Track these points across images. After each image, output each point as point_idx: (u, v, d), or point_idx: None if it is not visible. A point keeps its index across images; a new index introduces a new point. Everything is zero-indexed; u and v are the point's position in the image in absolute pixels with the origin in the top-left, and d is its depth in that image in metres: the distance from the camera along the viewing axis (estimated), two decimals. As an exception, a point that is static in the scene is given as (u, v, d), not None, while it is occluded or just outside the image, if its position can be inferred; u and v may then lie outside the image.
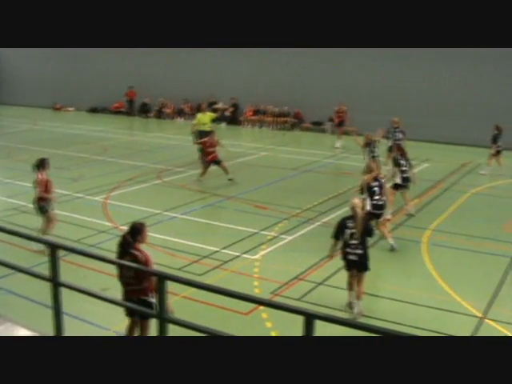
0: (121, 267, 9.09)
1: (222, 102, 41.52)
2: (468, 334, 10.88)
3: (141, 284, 9.01)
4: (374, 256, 14.75)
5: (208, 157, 22.36)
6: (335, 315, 6.63)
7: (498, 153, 25.04)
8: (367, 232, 11.72)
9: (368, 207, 14.88)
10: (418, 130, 29.41)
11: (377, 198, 15.11)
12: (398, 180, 17.78)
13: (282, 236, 16.28)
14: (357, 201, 12.09)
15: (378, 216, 15.27)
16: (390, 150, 23.10)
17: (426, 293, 12.80)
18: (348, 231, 11.65)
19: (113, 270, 10.78)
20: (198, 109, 27.82)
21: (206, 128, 24.74)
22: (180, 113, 43.49)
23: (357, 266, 11.67)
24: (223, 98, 41.28)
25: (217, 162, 22.46)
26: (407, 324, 11.05)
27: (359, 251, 11.58)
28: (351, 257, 11.63)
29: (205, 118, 25.28)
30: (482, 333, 10.98)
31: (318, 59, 37.07)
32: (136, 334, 9.65)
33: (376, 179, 15.30)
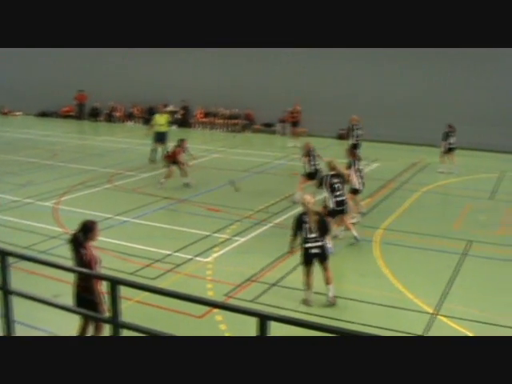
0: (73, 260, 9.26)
1: (173, 105, 41.38)
2: (421, 330, 11.03)
3: (84, 282, 9.16)
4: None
5: (171, 158, 22.51)
6: (289, 316, 6.67)
7: (449, 150, 25.42)
8: (323, 227, 12.05)
9: (331, 204, 15.49)
10: (367, 130, 29.60)
11: (338, 193, 15.54)
12: (357, 186, 17.64)
13: (235, 238, 16.30)
14: (308, 197, 12.40)
15: (342, 212, 15.77)
16: (355, 147, 23.54)
17: (379, 291, 12.93)
18: (306, 225, 11.92)
19: (64, 276, 10.69)
20: (149, 112, 28.08)
21: (163, 129, 26.25)
22: (130, 116, 43.26)
23: (319, 257, 12.04)
24: (174, 101, 41.14)
25: (176, 163, 22.41)
26: (361, 322, 11.16)
27: (319, 243, 11.96)
28: (313, 250, 11.96)
29: (161, 119, 26.61)
30: (434, 329, 11.14)
31: (268, 60, 37.17)
32: (89, 334, 9.69)
33: (338, 176, 15.62)
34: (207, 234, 16.51)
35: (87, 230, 9.53)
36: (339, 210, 15.61)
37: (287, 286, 13.09)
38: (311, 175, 19.68)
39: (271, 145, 33.86)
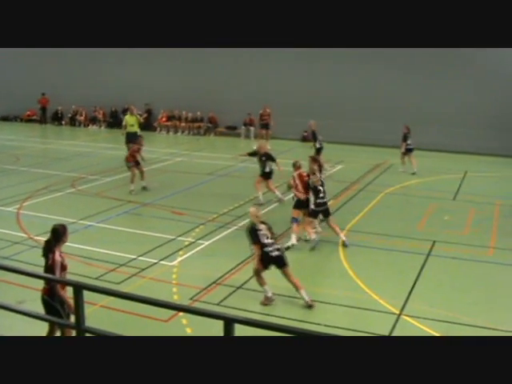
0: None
1: (136, 108, 41.23)
2: (386, 330, 11.10)
3: (48, 285, 9.31)
4: (291, 258, 14.93)
5: (130, 159, 22.45)
6: (255, 318, 6.69)
7: (408, 151, 25.74)
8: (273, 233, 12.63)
9: (312, 206, 16.01)
10: (331, 132, 29.80)
11: (321, 195, 16.05)
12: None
13: (200, 241, 16.28)
14: (253, 209, 13.08)
15: (325, 212, 16.22)
16: (319, 152, 23.87)
17: (344, 292, 13.00)
18: (261, 232, 12.29)
19: (29, 282, 10.60)
20: (112, 115, 28.01)
21: (133, 129, 26.39)
22: (93, 120, 43.02)
23: (280, 259, 12.30)
24: (137, 104, 40.98)
25: (137, 164, 22.36)
26: (326, 324, 11.23)
27: (277, 246, 12.40)
28: (274, 253, 12.21)
29: (132, 120, 26.82)
30: (399, 329, 11.23)
31: (231, 63, 37.25)
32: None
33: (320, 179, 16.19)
34: (172, 237, 16.47)
35: (57, 234, 9.74)
36: (321, 211, 16.14)
37: (252, 288, 13.09)
38: (267, 175, 20.62)
39: (235, 148, 33.83)
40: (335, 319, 11.58)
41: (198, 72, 38.73)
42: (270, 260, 12.20)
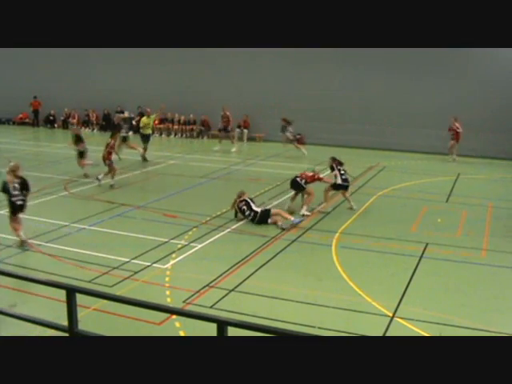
0: None
1: (129, 111, 41.25)
2: (380, 333, 11.10)
3: None
4: (285, 260, 14.94)
5: (109, 156, 23.66)
6: (248, 321, 6.68)
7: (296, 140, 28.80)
8: None
9: (339, 181, 20.11)
10: (323, 135, 29.91)
11: (343, 172, 20.21)
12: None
13: (193, 244, 16.26)
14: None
15: (346, 187, 20.40)
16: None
17: (337, 295, 12.99)
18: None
19: (20, 285, 10.59)
20: (105, 118, 28.13)
21: (148, 131, 30.00)
22: (86, 123, 42.97)
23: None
24: (130, 107, 41.01)
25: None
26: (319, 326, 11.21)
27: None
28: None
29: (148, 121, 29.90)
30: (393, 331, 11.22)
31: (223, 65, 37.35)
32: None
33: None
34: (165, 240, 16.45)
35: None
36: (343, 186, 20.28)
37: (246, 291, 13.09)
38: None
39: (228, 150, 33.83)
40: (329, 321, 11.58)
41: (191, 74, 38.77)
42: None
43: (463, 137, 30.78)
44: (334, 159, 20.77)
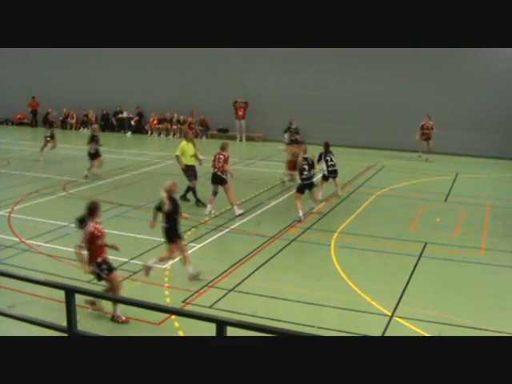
0: None
1: (127, 111, 41.30)
2: (379, 332, 11.11)
3: (88, 251, 11.46)
4: (284, 260, 14.94)
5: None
6: (247, 321, 6.68)
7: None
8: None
9: (325, 172, 21.09)
10: (322, 135, 29.82)
11: (332, 163, 20.97)
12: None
13: (192, 244, 16.25)
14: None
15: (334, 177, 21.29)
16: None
17: (336, 294, 13.00)
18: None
19: (20, 285, 10.56)
20: (103, 118, 27.88)
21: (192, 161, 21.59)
22: (85, 123, 42.96)
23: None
24: (128, 107, 41.04)
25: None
26: (319, 326, 11.22)
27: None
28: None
29: (190, 148, 21.49)
30: (392, 330, 11.23)
31: (222, 64, 37.34)
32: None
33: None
34: (164, 240, 16.42)
35: (89, 211, 11.48)
36: (330, 176, 21.11)
37: (245, 291, 13.10)
38: None
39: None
40: (328, 321, 11.58)
41: (190, 74, 38.74)
42: None
43: (463, 136, 30.81)
44: (326, 144, 21.65)
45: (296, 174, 19.79)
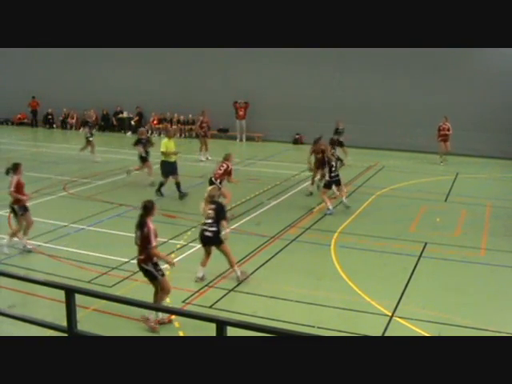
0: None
1: (127, 111, 41.30)
2: (379, 332, 11.11)
3: (140, 254, 11.44)
4: (284, 260, 14.93)
5: None
6: (247, 321, 6.68)
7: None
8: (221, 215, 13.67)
9: (327, 177, 20.01)
10: (322, 134, 29.83)
11: (333, 169, 19.96)
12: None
13: (191, 244, 16.24)
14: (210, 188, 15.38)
15: (337, 182, 20.24)
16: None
17: (336, 294, 13.00)
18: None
19: (19, 286, 10.55)
20: (104, 118, 27.73)
21: (173, 159, 22.79)
22: (84, 123, 42.94)
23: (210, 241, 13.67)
24: (128, 107, 41.04)
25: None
26: (319, 326, 11.22)
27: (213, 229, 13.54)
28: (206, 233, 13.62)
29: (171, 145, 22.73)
30: (392, 330, 11.24)
31: (223, 64, 37.33)
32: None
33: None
34: (164, 240, 16.40)
35: (145, 209, 11.43)
36: (334, 181, 20.05)
37: (245, 291, 13.11)
38: None
39: (226, 150, 33.77)
40: (328, 321, 11.58)
41: (190, 74, 38.73)
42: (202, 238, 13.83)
43: (463, 136, 30.80)
44: (332, 142, 22.85)
45: (326, 170, 20.24)
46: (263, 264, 14.75)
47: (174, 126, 39.79)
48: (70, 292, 6.68)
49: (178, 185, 22.09)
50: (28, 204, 16.18)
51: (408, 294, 13.05)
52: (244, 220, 18.43)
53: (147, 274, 11.49)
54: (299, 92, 35.86)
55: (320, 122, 33.03)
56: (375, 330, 11.18)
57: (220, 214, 13.58)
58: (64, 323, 7.00)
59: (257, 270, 14.32)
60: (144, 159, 24.33)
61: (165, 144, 22.35)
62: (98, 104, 41.45)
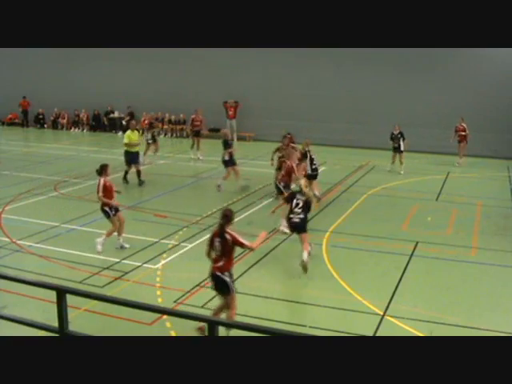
0: (210, 246, 11.00)
1: (118, 111, 41.21)
2: (371, 332, 11.13)
3: (218, 262, 10.75)
4: (276, 259, 14.94)
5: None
6: (239, 321, 6.68)
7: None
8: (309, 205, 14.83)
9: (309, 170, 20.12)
10: (313, 134, 29.84)
11: (315, 163, 20.52)
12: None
13: (183, 244, 16.25)
14: (303, 181, 15.87)
15: (315, 177, 20.54)
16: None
17: (328, 293, 13.02)
18: (295, 201, 14.62)
19: (10, 286, 10.51)
20: (95, 118, 27.46)
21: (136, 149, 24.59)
22: (76, 123, 42.88)
23: (298, 227, 14.55)
24: (119, 107, 40.96)
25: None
26: (310, 325, 11.24)
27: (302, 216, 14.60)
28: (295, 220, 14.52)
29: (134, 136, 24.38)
30: (383, 329, 11.26)
31: (214, 64, 37.31)
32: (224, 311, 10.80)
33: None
34: (155, 240, 16.43)
35: (225, 217, 11.02)
36: (313, 175, 20.41)
37: (237, 291, 13.10)
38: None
39: (218, 150, 33.74)
40: (320, 321, 11.60)
41: (181, 74, 38.69)
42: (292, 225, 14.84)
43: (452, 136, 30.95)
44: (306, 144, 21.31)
45: (306, 163, 20.39)
46: (255, 263, 14.75)
47: (166, 126, 39.77)
48: (62, 292, 6.65)
49: (138, 173, 23.89)
50: (116, 203, 16.24)
51: (399, 293, 13.08)
52: (236, 219, 18.36)
53: (223, 285, 10.69)
54: (290, 91, 35.89)
55: (311, 121, 33.05)
56: (367, 329, 11.20)
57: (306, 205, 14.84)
58: (55, 324, 6.98)
59: (248, 269, 14.31)
60: (228, 163, 23.38)
61: (128, 136, 24.09)
62: (89, 104, 41.41)
